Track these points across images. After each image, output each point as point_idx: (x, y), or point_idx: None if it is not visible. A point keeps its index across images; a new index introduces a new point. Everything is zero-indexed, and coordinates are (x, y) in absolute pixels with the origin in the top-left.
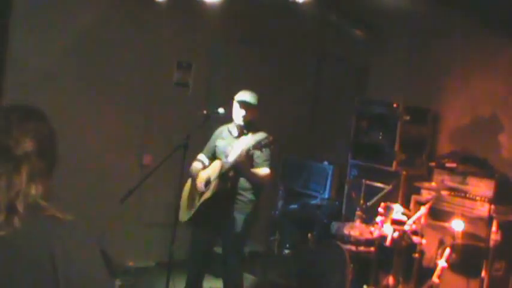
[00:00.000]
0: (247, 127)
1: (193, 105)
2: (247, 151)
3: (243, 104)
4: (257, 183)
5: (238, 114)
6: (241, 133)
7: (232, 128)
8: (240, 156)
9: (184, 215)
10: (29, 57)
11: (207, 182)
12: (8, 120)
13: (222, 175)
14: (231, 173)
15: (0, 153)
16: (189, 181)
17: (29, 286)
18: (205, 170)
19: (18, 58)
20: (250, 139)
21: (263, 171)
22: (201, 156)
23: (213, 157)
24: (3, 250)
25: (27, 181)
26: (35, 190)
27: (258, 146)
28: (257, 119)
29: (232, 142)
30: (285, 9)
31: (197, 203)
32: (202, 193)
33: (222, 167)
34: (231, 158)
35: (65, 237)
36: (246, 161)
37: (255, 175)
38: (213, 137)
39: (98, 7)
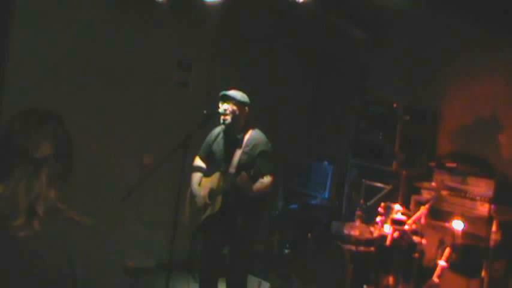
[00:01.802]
0: (235, 127)
1: (193, 105)
2: (248, 171)
3: (224, 98)
4: (261, 193)
5: (223, 111)
6: (232, 135)
7: (225, 129)
8: (240, 179)
9: (191, 225)
10: (29, 57)
11: (211, 196)
12: (27, 124)
13: (226, 190)
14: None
15: (20, 157)
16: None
17: (47, 287)
18: (208, 180)
19: (18, 58)
20: (248, 147)
21: (265, 181)
22: (198, 162)
23: (209, 158)
24: (22, 252)
25: (46, 184)
26: (53, 193)
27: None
28: (246, 118)
29: (227, 147)
30: (284, 9)
31: (202, 216)
32: (206, 205)
33: (224, 183)
34: (232, 169)
35: (83, 240)
36: (247, 181)
37: (257, 189)
38: (209, 139)
39: (98, 7)
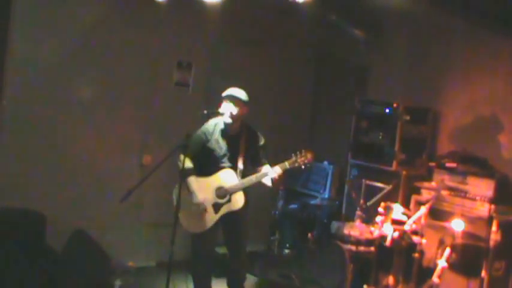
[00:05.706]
0: (234, 125)
1: (193, 105)
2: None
3: (230, 99)
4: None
5: (226, 110)
6: (231, 132)
7: (224, 127)
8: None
9: (195, 227)
10: (29, 56)
11: (223, 194)
12: None
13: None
14: None
15: None
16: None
17: None
18: (209, 179)
19: (18, 58)
20: (249, 143)
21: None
22: (189, 163)
23: (204, 157)
24: None
25: None
26: None
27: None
28: (246, 117)
29: (228, 144)
30: (284, 9)
31: (214, 216)
32: (218, 204)
33: (255, 177)
34: (240, 165)
35: None
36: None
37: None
38: (203, 137)
39: (98, 7)
